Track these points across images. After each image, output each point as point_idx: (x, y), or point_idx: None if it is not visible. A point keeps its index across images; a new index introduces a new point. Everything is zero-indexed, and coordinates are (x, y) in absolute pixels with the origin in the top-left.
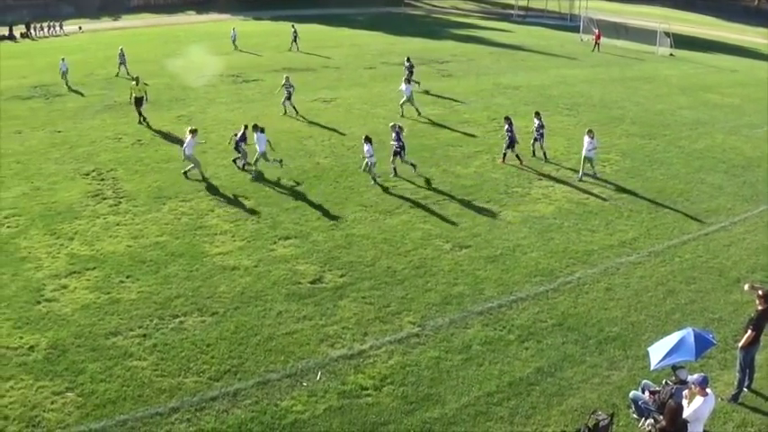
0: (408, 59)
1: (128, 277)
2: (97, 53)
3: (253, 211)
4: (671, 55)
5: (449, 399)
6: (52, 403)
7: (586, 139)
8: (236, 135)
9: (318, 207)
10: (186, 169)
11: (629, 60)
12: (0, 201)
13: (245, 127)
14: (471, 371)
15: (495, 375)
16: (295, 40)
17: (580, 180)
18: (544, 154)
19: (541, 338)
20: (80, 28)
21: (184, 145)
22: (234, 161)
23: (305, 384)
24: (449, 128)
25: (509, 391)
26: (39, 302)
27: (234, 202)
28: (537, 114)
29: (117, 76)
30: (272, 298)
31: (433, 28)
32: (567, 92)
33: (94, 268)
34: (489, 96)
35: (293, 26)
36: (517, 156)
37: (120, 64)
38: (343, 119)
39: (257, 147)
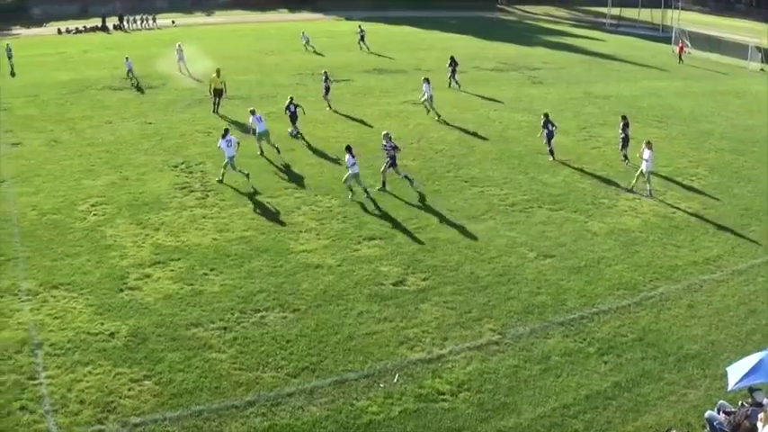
0: (452, 58)
1: (212, 270)
2: (189, 48)
3: (339, 211)
4: (761, 70)
5: (524, 408)
6: (129, 390)
7: (646, 151)
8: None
9: (404, 209)
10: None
11: (720, 74)
12: (89, 189)
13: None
14: (549, 381)
15: (572, 387)
16: (362, 40)
17: (649, 195)
18: (625, 156)
19: (621, 353)
20: (173, 22)
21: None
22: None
23: (382, 386)
24: (539, 136)
25: (585, 405)
26: (122, 290)
27: (320, 200)
28: (623, 118)
29: (180, 71)
30: (354, 298)
31: (525, 34)
32: (656, 103)
33: (179, 259)
34: (579, 105)
35: (360, 26)
36: (550, 151)
37: (179, 60)
38: (432, 122)
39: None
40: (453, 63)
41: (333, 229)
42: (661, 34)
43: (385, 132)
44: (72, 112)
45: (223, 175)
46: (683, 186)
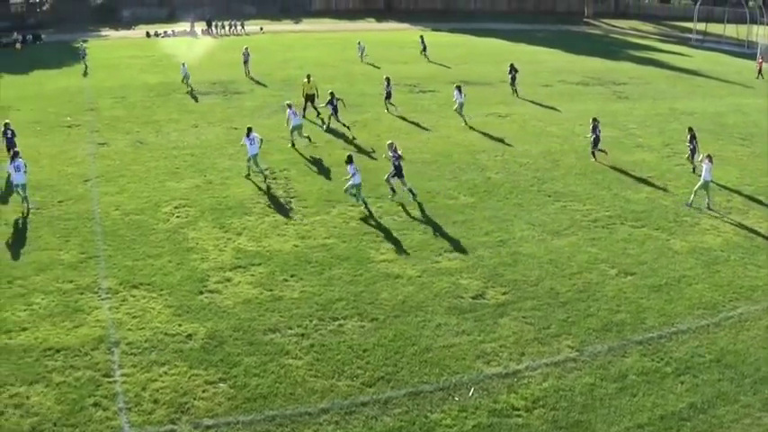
0: (512, 66)
1: (292, 276)
2: (276, 55)
3: (421, 222)
4: None
5: (599, 427)
6: (204, 392)
7: (705, 163)
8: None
9: (486, 222)
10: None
11: None
12: (173, 191)
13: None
14: (624, 400)
15: (647, 407)
16: (424, 50)
17: (709, 209)
18: (693, 169)
19: (698, 373)
20: (261, 29)
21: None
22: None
23: (456, 399)
24: (623, 151)
25: (660, 425)
26: (201, 293)
27: (403, 210)
28: (690, 130)
29: (248, 75)
30: (433, 310)
31: (611, 48)
32: (741, 121)
33: (260, 264)
34: (664, 122)
35: (421, 36)
36: (602, 150)
37: (245, 63)
38: (517, 135)
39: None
40: (513, 70)
41: (414, 240)
42: (747, 50)
43: (390, 142)
44: (158, 115)
45: (249, 169)
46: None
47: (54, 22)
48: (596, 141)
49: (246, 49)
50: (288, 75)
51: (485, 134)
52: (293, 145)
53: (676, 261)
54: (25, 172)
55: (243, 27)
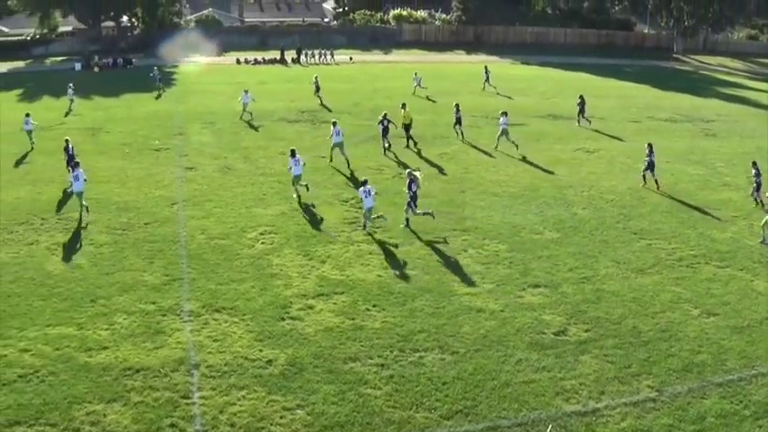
0: (581, 97)
1: (374, 306)
2: (365, 84)
3: (506, 256)
4: None
5: None
6: (281, 418)
7: None
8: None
9: (571, 258)
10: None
11: None
12: (258, 217)
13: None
14: None
15: None
16: (487, 80)
17: (763, 243)
18: (762, 203)
19: None
20: (350, 58)
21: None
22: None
23: None
24: (710, 189)
25: None
26: (283, 319)
27: (488, 244)
28: (754, 164)
29: (321, 104)
30: (514, 345)
31: (700, 85)
32: None
33: (342, 293)
34: (751, 160)
35: (486, 67)
36: (655, 179)
37: (316, 91)
38: (605, 171)
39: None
40: (582, 101)
41: (498, 274)
42: None
43: (408, 171)
44: (246, 142)
45: (296, 191)
46: None
47: (145, 47)
48: (650, 166)
49: (316, 77)
50: (376, 104)
51: (572, 169)
52: (331, 159)
53: (760, 302)
54: (84, 180)
55: (332, 56)
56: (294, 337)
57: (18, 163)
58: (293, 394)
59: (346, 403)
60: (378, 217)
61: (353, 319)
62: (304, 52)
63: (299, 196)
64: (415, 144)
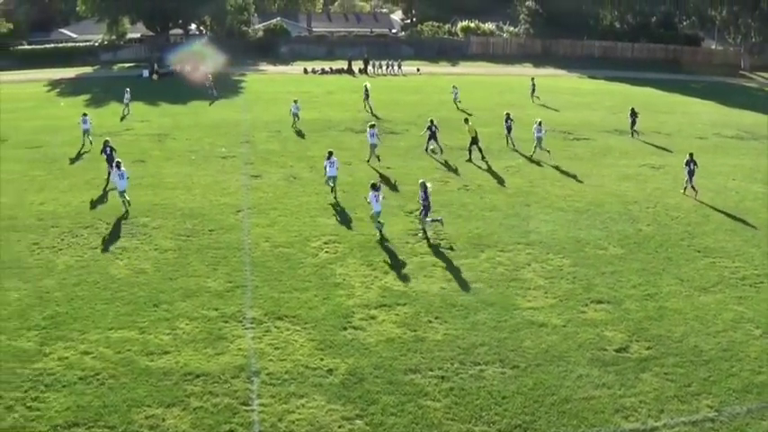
0: (632, 110)
1: (436, 318)
2: (432, 96)
3: (569, 271)
4: None
5: None
6: (339, 427)
7: None
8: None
9: (635, 274)
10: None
11: None
12: (323, 226)
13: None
14: None
15: None
16: (533, 92)
17: None
18: None
19: None
20: (418, 69)
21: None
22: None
23: None
24: None
25: None
26: (345, 329)
27: (552, 258)
28: None
29: (367, 109)
30: (575, 360)
31: (767, 102)
32: None
33: (405, 304)
34: None
35: (533, 78)
36: (693, 187)
37: (366, 98)
38: (670, 187)
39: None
40: (633, 114)
41: (561, 289)
42: None
43: (422, 181)
44: (313, 151)
45: (333, 190)
46: None
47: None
48: (690, 174)
49: (367, 85)
50: (442, 116)
51: (638, 185)
52: (368, 161)
53: None
54: (127, 178)
55: (400, 67)
56: (355, 347)
57: (73, 161)
58: (353, 404)
59: (405, 414)
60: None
61: (415, 330)
62: (371, 63)
63: (335, 198)
64: (483, 158)
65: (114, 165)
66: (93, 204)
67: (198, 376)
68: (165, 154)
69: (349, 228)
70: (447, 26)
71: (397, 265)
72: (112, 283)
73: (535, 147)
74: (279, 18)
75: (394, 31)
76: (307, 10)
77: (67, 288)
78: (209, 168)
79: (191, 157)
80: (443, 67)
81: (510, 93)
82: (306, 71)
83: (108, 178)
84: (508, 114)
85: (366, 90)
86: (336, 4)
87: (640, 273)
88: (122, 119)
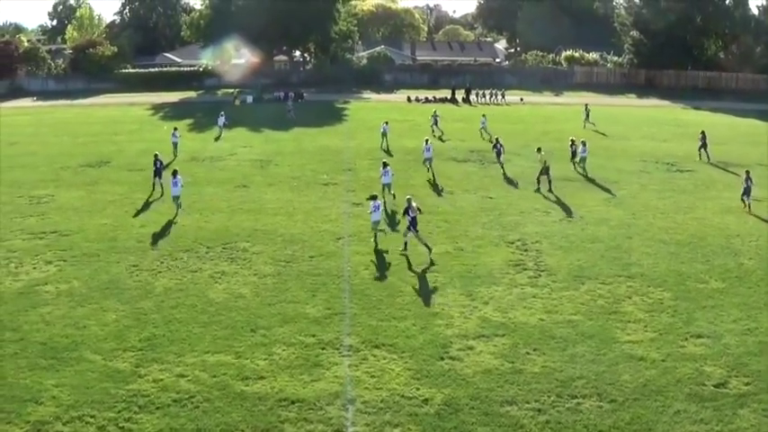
0: (703, 133)
1: (534, 350)
2: (535, 125)
3: (670, 304)
4: None
5: None
6: None
7: None
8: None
9: (735, 309)
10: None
11: None
12: (424, 255)
13: None
14: None
15: None
16: (587, 118)
17: None
18: None
19: None
20: (521, 99)
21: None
22: None
23: None
24: None
25: None
26: (442, 359)
27: (653, 291)
28: None
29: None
30: (673, 395)
31: None
32: None
33: (503, 335)
34: None
35: (586, 105)
36: (748, 204)
37: (433, 124)
38: None
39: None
40: (704, 137)
41: (661, 323)
42: None
43: (408, 198)
44: (414, 180)
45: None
46: None
47: (317, 82)
48: (746, 191)
49: (435, 112)
50: (545, 147)
51: (739, 218)
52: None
53: None
54: (182, 186)
55: (503, 97)
56: (452, 378)
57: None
58: None
59: None
60: (381, 230)
61: (513, 362)
62: (475, 92)
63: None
64: (550, 189)
65: (171, 173)
66: (194, 228)
67: (293, 402)
68: (267, 180)
69: (450, 257)
70: (551, 55)
71: (496, 295)
72: (210, 306)
73: (581, 165)
74: (383, 46)
75: (498, 60)
76: (411, 38)
77: (165, 310)
78: (310, 195)
79: (292, 184)
80: (547, 97)
81: (615, 124)
82: (409, 99)
83: (153, 187)
84: (576, 142)
85: (435, 116)
86: (441, 32)
87: (741, 307)
88: (216, 139)
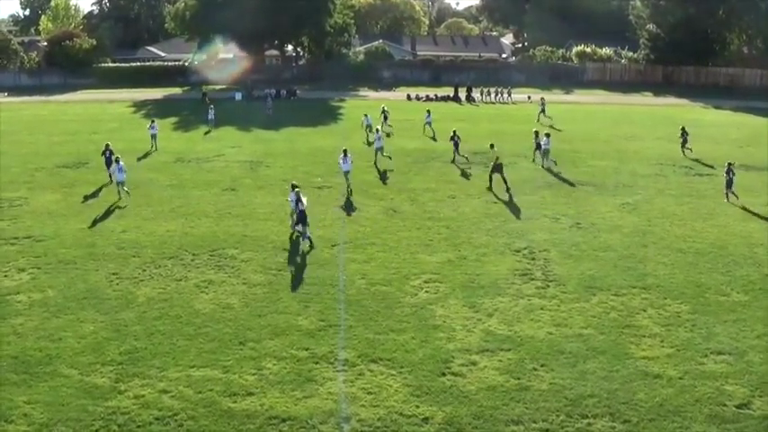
0: (683, 129)
1: (542, 365)
2: (543, 126)
3: (688, 318)
4: None
5: None
6: None
7: None
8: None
9: (760, 323)
10: None
11: None
12: (423, 264)
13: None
14: None
15: None
16: (543, 111)
17: None
18: None
19: None
20: (529, 97)
21: None
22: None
23: None
24: None
25: None
26: (444, 374)
27: (669, 304)
28: None
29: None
30: (692, 416)
31: None
32: None
33: (509, 350)
34: None
35: (542, 98)
36: (734, 193)
37: (384, 120)
38: None
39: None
40: (684, 133)
41: (679, 338)
42: None
43: (296, 187)
44: (414, 183)
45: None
46: None
47: (311, 79)
48: (729, 183)
49: (383, 107)
50: (554, 148)
51: (763, 225)
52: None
53: None
54: (125, 172)
55: (509, 95)
56: (454, 395)
57: (163, 187)
58: None
59: None
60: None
61: (519, 378)
62: (479, 90)
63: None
64: (507, 189)
65: (114, 160)
66: (179, 234)
67: (284, 420)
68: (257, 182)
69: (452, 266)
70: (561, 51)
71: (501, 307)
72: (196, 317)
73: (543, 158)
74: (381, 41)
75: (504, 55)
76: (411, 33)
77: (147, 322)
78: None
79: (283, 187)
80: (556, 95)
81: (629, 124)
82: (409, 97)
83: (110, 177)
84: (536, 132)
85: (383, 111)
86: (443, 26)
87: (765, 321)
88: (207, 134)
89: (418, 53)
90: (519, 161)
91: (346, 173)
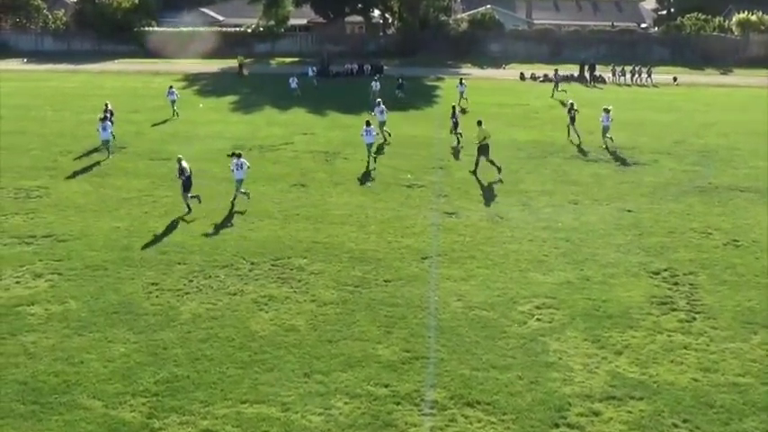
0: (571, 104)
1: (684, 422)
2: (694, 115)
3: None
4: None
5: None
6: None
7: None
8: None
9: None
10: None
11: None
12: (535, 285)
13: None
14: None
15: None
16: (557, 87)
17: None
18: None
19: None
20: (675, 79)
21: None
22: None
23: None
24: None
25: None
26: (557, 426)
27: None
28: None
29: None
30: None
31: None
32: None
33: (641, 399)
34: None
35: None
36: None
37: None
38: None
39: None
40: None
41: None
42: None
43: (178, 157)
44: (527, 183)
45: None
46: None
47: (402, 52)
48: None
49: (571, 103)
50: (706, 143)
51: None
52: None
53: None
54: (111, 132)
55: (650, 76)
56: None
57: (217, 180)
58: None
59: None
60: (244, 193)
61: None
62: (612, 69)
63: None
64: (499, 170)
65: (100, 119)
66: (234, 238)
67: None
68: (332, 178)
69: (571, 289)
70: (717, 19)
71: (633, 343)
72: (252, 341)
73: (602, 136)
74: (489, 6)
75: (644, 25)
76: None
77: (191, 344)
78: (389, 200)
79: (366, 185)
80: (711, 76)
81: None
82: (523, 77)
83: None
84: (572, 103)
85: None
86: None
87: None
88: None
89: (535, 22)
90: (661, 159)
91: (369, 145)
